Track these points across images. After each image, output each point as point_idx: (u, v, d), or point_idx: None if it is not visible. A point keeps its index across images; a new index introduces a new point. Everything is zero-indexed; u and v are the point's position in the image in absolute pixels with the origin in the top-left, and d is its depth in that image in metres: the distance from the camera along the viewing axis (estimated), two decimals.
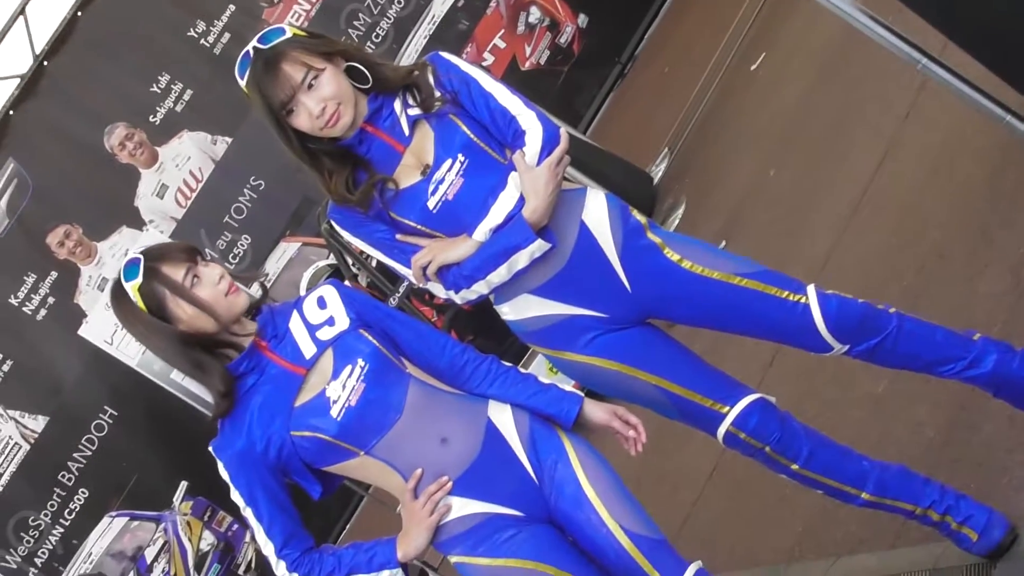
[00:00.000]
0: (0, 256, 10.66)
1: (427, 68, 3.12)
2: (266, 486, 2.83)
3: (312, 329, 2.89)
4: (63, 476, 10.63)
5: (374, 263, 7.75)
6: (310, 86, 2.99)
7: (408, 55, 11.14)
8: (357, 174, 3.09)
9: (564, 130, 3.11)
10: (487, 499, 2.82)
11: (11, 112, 10.68)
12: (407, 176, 3.08)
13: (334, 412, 2.80)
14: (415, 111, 3.09)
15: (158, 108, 10.95)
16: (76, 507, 10.63)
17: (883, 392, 4.14)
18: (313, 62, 2.99)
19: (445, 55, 3.17)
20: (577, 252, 3.08)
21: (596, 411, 2.93)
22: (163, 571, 9.75)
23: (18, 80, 10.73)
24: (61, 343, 10.51)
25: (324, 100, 2.99)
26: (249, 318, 2.91)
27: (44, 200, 10.71)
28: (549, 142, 3.04)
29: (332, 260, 9.06)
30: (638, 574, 2.80)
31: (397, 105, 3.09)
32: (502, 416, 2.89)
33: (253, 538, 3.61)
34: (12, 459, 10.63)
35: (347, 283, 7.55)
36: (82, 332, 9.25)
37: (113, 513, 10.27)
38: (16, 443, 10.65)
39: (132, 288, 2.81)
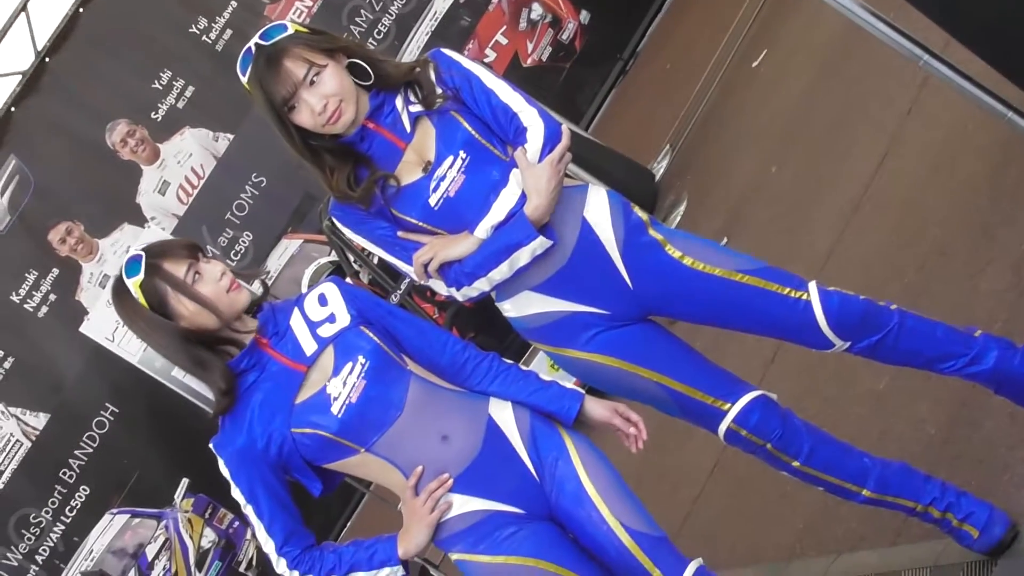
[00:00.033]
0: (1, 253, 10.67)
1: (429, 65, 3.12)
2: (267, 483, 2.83)
3: (313, 326, 2.89)
4: (64, 473, 10.63)
5: (376, 260, 7.75)
6: (312, 83, 2.98)
7: (410, 52, 11.13)
8: (359, 171, 3.09)
9: (566, 127, 3.11)
10: (488, 496, 2.82)
11: (13, 109, 10.68)
12: (409, 173, 3.08)
13: (335, 409, 2.80)
14: (417, 108, 3.08)
15: (160, 105, 10.95)
16: (77, 504, 10.63)
17: (884, 389, 4.14)
18: (315, 58, 2.99)
19: (447, 52, 3.17)
20: (579, 249, 3.07)
21: (597, 408, 2.93)
22: (164, 568, 9.76)
23: (20, 77, 10.72)
24: (62, 340, 10.51)
25: (326, 97, 2.98)
26: (250, 315, 2.91)
27: (46, 197, 10.71)
28: (551, 139, 3.04)
29: (334, 257, 9.05)
30: (639, 571, 2.80)
31: (399, 102, 3.08)
32: (503, 413, 2.89)
33: (254, 535, 3.61)
34: (13, 456, 10.63)
35: (349, 280, 7.57)
36: (83, 329, 9.26)
37: (114, 510, 10.27)
38: (17, 440, 10.65)
39: (134, 285, 2.81)
